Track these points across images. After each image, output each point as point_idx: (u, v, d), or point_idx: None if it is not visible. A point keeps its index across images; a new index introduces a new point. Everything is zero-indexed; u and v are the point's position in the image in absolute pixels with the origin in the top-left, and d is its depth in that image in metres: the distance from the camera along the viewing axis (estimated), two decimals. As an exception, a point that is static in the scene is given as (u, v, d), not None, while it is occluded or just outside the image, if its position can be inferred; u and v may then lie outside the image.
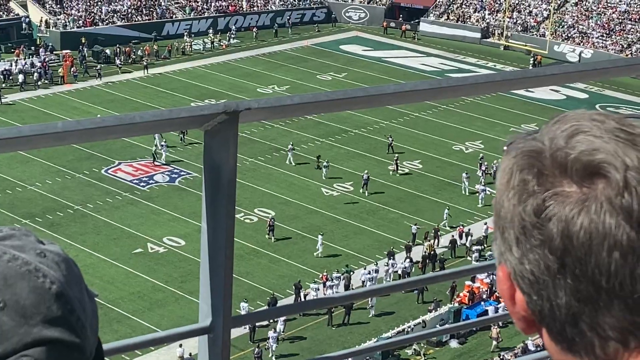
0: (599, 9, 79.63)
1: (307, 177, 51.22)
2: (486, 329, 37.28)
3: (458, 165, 53.40)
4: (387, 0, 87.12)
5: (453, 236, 44.05)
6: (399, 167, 52.03)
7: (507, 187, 1.27)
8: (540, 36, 78.59)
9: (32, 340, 1.21)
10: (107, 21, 76.52)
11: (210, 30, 78.07)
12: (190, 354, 33.72)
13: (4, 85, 63.83)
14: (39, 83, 64.40)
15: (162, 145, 52.44)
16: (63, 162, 51.23)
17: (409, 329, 36.18)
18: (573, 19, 79.76)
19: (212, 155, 2.04)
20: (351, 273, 40.00)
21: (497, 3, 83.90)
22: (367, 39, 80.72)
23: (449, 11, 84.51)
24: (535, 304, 1.25)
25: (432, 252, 42.23)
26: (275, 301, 37.11)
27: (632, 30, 76.82)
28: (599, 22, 78.30)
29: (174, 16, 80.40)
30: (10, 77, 64.73)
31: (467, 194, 49.13)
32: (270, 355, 35.62)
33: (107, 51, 70.37)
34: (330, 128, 57.91)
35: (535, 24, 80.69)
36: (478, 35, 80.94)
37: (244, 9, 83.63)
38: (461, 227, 44.71)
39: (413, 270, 41.18)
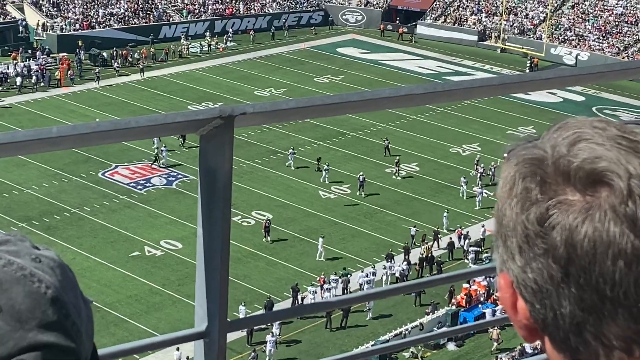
0: (595, 12, 79.74)
1: (304, 180, 51.23)
2: (484, 332, 37.30)
3: (455, 167, 53.43)
4: (384, 3, 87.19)
5: (451, 238, 44.06)
6: (399, 170, 52.04)
7: (509, 195, 1.26)
8: (536, 39, 78.67)
9: (27, 345, 1.21)
10: (104, 24, 76.52)
11: (207, 33, 78.10)
12: (187, 358, 33.69)
13: (0, 88, 63.80)
14: (38, 86, 64.35)
15: (162, 149, 52.40)
16: (60, 165, 51.20)
17: (407, 332, 36.17)
18: (569, 22, 79.86)
19: (208, 159, 2.04)
20: (349, 276, 39.98)
21: (493, 6, 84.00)
22: (364, 42, 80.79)
23: (446, 14, 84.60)
24: (538, 312, 1.24)
25: (429, 255, 42.23)
26: (272, 304, 37.10)
27: (628, 32, 76.93)
28: (595, 25, 78.41)
29: (171, 19, 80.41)
30: (8, 80, 64.72)
31: (464, 197, 49.09)
32: (267, 359, 35.59)
33: (104, 54, 70.38)
34: (327, 131, 57.93)
35: (532, 26, 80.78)
36: (475, 38, 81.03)
37: (241, 12, 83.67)
38: (459, 229, 44.73)
39: (410, 273, 41.19)
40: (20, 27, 73.58)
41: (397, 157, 52.78)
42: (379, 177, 51.90)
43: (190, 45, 75.61)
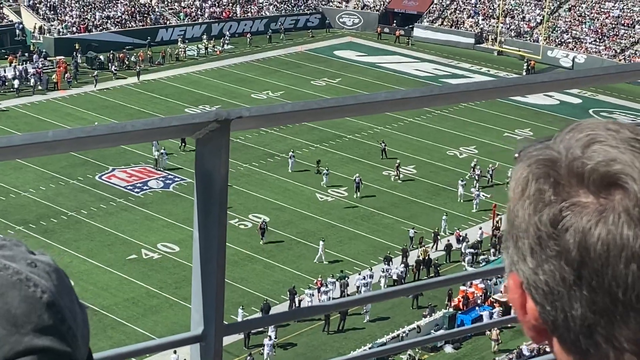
0: (592, 15, 79.84)
1: (301, 183, 51.23)
2: (481, 334, 37.30)
3: (452, 170, 53.46)
4: (381, 6, 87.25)
5: (449, 240, 44.07)
6: (400, 173, 52.03)
7: (522, 196, 1.25)
8: (533, 41, 78.76)
9: (23, 349, 1.21)
10: (101, 27, 76.51)
11: (204, 36, 78.10)
12: (184, 360, 33.70)
13: (-2, 91, 63.84)
14: (35, 89, 64.33)
15: (161, 153, 52.33)
16: (57, 169, 51.17)
17: (404, 335, 36.17)
18: (566, 25, 79.95)
19: (204, 163, 2.04)
20: (346, 279, 39.96)
21: (490, 8, 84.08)
22: (361, 45, 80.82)
23: (443, 17, 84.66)
24: (548, 314, 1.24)
25: (426, 258, 42.24)
26: (269, 307, 37.08)
27: (625, 35, 77.03)
28: (592, 28, 78.51)
29: (167, 22, 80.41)
30: (5, 84, 64.70)
31: (462, 201, 49.06)
32: (265, 362, 35.62)
33: (101, 57, 70.37)
34: (324, 134, 57.94)
35: (528, 29, 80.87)
36: (472, 40, 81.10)
37: (238, 15, 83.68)
38: (457, 231, 44.74)
39: (407, 275, 41.20)
40: (17, 31, 73.55)
41: (398, 161, 52.77)
42: (376, 179, 51.91)
43: (187, 48, 75.60)
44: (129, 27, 77.63)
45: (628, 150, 1.22)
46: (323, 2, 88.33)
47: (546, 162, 1.25)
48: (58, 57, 69.52)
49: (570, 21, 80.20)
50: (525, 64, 74.23)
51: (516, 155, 1.31)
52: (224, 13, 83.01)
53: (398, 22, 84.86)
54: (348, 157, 55.05)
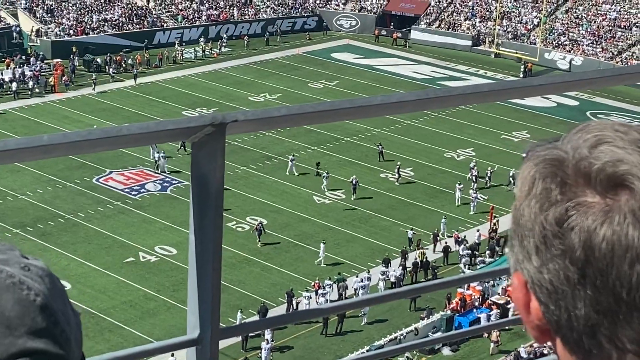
0: (589, 17, 79.93)
1: (299, 185, 51.23)
2: (478, 337, 37.30)
3: (450, 172, 53.49)
4: (378, 9, 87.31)
5: (446, 242, 44.10)
6: (400, 176, 52.03)
7: (528, 195, 1.26)
8: (530, 44, 78.84)
9: (17, 351, 1.22)
10: (98, 30, 76.50)
11: (202, 39, 78.11)
12: (182, 363, 33.63)
13: (-4, 94, 63.83)
14: (33, 91, 64.32)
15: (161, 157, 52.21)
16: (54, 171, 51.15)
17: (402, 337, 36.17)
18: (563, 27, 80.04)
19: (200, 166, 2.04)
20: (344, 281, 39.95)
21: (487, 11, 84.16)
22: (359, 47, 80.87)
23: (440, 19, 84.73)
24: (552, 313, 1.24)
25: (423, 260, 42.24)
26: (266, 310, 37.05)
27: (622, 37, 77.11)
28: (589, 30, 78.59)
29: (165, 25, 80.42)
30: (3, 87, 64.70)
31: (459, 204, 49.02)
32: (262, 364, 35.59)
33: (98, 60, 70.36)
34: (321, 136, 57.95)
35: (525, 31, 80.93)
36: (469, 43, 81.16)
37: (235, 18, 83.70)
38: (456, 233, 44.74)
39: (405, 277, 41.20)
40: (14, 34, 73.55)
41: (398, 164, 52.75)
42: (374, 182, 51.93)
43: (184, 51, 75.62)
44: (126, 29, 77.63)
45: (635, 152, 1.22)
46: (320, 5, 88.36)
47: (553, 162, 1.25)
48: (55, 60, 69.51)
49: (567, 23, 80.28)
50: (523, 66, 74.27)
51: (524, 154, 1.32)
52: (221, 16, 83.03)
53: (395, 24, 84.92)
54: (345, 159, 55.06)
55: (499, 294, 40.13)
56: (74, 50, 70.87)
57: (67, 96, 64.89)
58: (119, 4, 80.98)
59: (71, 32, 75.30)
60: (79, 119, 59.98)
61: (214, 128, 1.96)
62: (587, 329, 1.21)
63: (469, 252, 43.19)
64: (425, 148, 57.35)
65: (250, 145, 55.71)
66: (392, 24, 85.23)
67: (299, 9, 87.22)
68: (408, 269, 41.77)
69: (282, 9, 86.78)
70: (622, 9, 79.57)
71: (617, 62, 73.39)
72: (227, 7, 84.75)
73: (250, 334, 35.66)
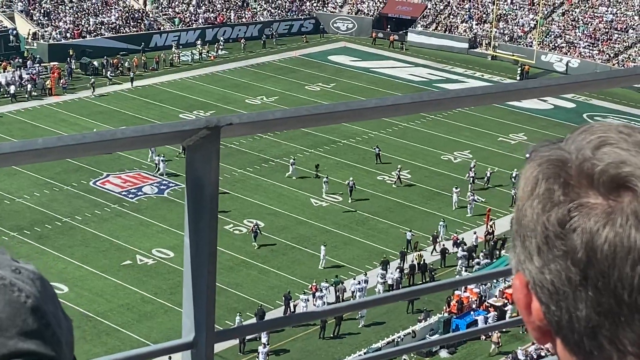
0: (586, 19, 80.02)
1: (296, 188, 51.22)
2: (476, 339, 37.31)
3: (447, 175, 53.51)
4: (375, 11, 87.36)
5: (444, 245, 44.10)
6: (400, 179, 51.99)
7: (531, 196, 1.26)
8: (527, 46, 78.90)
9: (8, 352, 1.23)
10: (94, 33, 76.47)
11: (198, 42, 78.11)
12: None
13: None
14: (31, 94, 64.31)
15: (161, 160, 52.08)
16: (51, 174, 51.11)
17: (399, 339, 36.16)
18: (560, 29, 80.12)
19: (195, 170, 2.04)
20: (342, 284, 39.93)
21: (484, 13, 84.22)
22: (355, 50, 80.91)
23: (437, 21, 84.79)
24: (553, 314, 1.24)
25: (420, 262, 42.24)
26: (263, 313, 37.01)
27: (618, 39, 77.20)
28: (585, 32, 78.67)
29: (162, 27, 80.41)
30: (0, 90, 64.67)
31: (456, 207, 48.94)
32: (260, 367, 35.56)
33: (95, 63, 70.34)
34: (318, 138, 57.96)
35: (522, 33, 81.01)
36: (466, 45, 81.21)
37: (232, 20, 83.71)
38: (455, 235, 44.72)
39: (403, 280, 41.18)
40: (11, 37, 73.48)
41: (399, 166, 52.74)
42: (371, 184, 51.93)
43: (181, 54, 75.62)
44: (122, 32, 77.60)
45: (639, 154, 1.22)
46: (317, 8, 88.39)
47: (556, 162, 1.25)
48: (52, 63, 69.47)
49: (563, 26, 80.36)
50: (519, 69, 74.35)
51: (528, 155, 1.32)
52: (218, 18, 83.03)
53: (392, 27, 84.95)
54: (343, 162, 55.06)
55: (496, 296, 40.14)
56: (71, 53, 70.83)
57: (64, 99, 64.85)
58: (116, 7, 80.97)
59: (68, 35, 75.25)
60: (76, 122, 59.94)
61: (209, 131, 1.96)
62: (588, 330, 1.21)
63: (465, 254, 43.19)
64: (422, 150, 57.37)
65: (247, 147, 55.70)
66: (389, 26, 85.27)
67: (296, 12, 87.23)
68: (405, 271, 41.76)
69: (279, 11, 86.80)
70: (618, 11, 79.66)
71: (613, 65, 73.47)
72: (224, 9, 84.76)
73: (247, 337, 35.66)
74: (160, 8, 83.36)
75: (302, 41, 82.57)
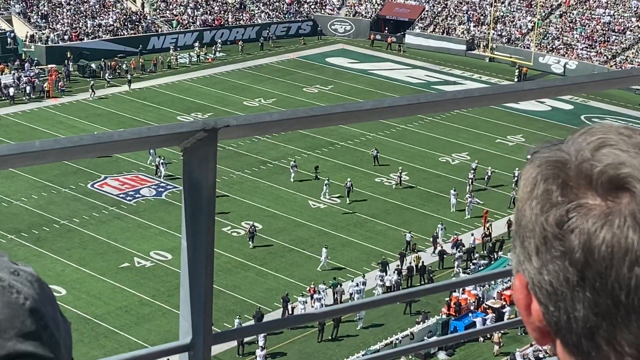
0: (583, 21, 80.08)
1: (293, 190, 51.21)
2: (474, 341, 37.32)
3: (445, 177, 53.53)
4: (373, 13, 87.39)
5: (441, 247, 44.10)
6: (402, 181, 51.99)
7: (530, 196, 1.26)
8: (525, 48, 78.95)
9: (6, 354, 1.23)
10: (92, 35, 76.47)
11: (196, 44, 78.12)
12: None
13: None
14: (31, 97, 64.31)
15: (161, 163, 51.95)
16: (49, 177, 51.09)
17: (397, 341, 36.15)
18: (557, 31, 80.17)
19: (192, 172, 2.04)
20: (340, 286, 39.92)
21: (482, 15, 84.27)
22: (353, 52, 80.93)
23: (434, 23, 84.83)
24: (552, 315, 1.24)
25: (418, 264, 42.24)
26: (261, 315, 36.98)
27: (615, 41, 77.27)
28: (583, 34, 78.74)
29: (159, 30, 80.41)
30: (-1, 92, 64.82)
31: (454, 210, 48.90)
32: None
33: (93, 65, 70.33)
34: (317, 140, 57.96)
35: (520, 35, 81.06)
36: (463, 47, 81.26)
37: (230, 23, 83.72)
38: (455, 236, 44.71)
39: (402, 282, 41.18)
40: (9, 39, 73.47)
41: (400, 168, 52.73)
42: (369, 186, 51.93)
43: (179, 56, 75.62)
44: (120, 35, 77.61)
45: (638, 155, 1.22)
46: (315, 10, 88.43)
47: (556, 163, 1.26)
48: (50, 66, 69.46)
49: (561, 27, 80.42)
50: (517, 71, 74.41)
51: (528, 156, 1.32)
52: (215, 21, 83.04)
53: (390, 29, 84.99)
54: (341, 164, 55.07)
55: (494, 298, 40.14)
56: (68, 55, 70.83)
57: (62, 102, 64.84)
58: (114, 9, 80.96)
59: (66, 37, 75.24)
60: (74, 124, 59.93)
61: (206, 133, 1.96)
62: (585, 331, 1.21)
63: (462, 254, 43.23)
64: (420, 152, 57.39)
65: (245, 150, 55.70)
66: (386, 28, 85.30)
67: (294, 14, 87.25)
68: (403, 273, 41.76)
69: (277, 13, 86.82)
70: (615, 13, 79.73)
71: (611, 66, 73.52)
72: (222, 12, 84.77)
73: (246, 340, 35.66)
74: (157, 10, 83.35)
75: (299, 43, 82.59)
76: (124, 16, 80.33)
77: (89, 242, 44.53)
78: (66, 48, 72.60)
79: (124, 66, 71.14)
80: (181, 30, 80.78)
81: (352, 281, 40.43)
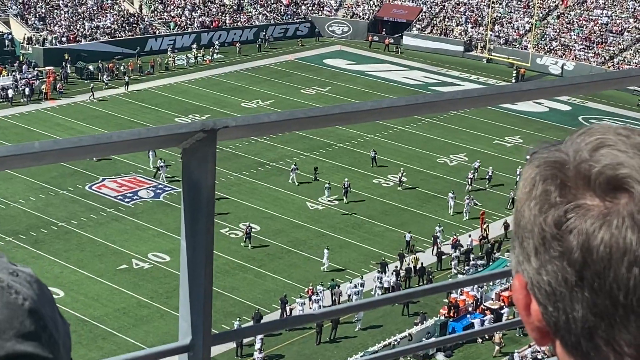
0: (581, 22, 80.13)
1: (291, 191, 51.19)
2: (472, 342, 37.31)
3: (442, 178, 53.53)
4: (370, 15, 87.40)
5: (440, 248, 44.09)
6: (403, 182, 51.97)
7: (528, 197, 1.26)
8: (522, 49, 78.98)
9: (5, 354, 1.23)
10: (90, 37, 76.43)
11: (194, 46, 78.10)
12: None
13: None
14: (30, 99, 64.27)
15: (161, 166, 51.85)
16: (47, 179, 51.05)
17: (395, 343, 36.14)
18: (555, 32, 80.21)
19: (191, 173, 2.04)
20: (338, 287, 39.90)
21: (479, 16, 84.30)
22: (351, 53, 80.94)
23: (432, 25, 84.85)
24: (550, 315, 1.24)
25: (416, 265, 42.23)
26: (260, 317, 36.97)
27: (613, 42, 77.31)
28: (580, 35, 78.77)
29: (157, 32, 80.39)
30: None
31: (452, 213, 48.84)
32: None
33: (91, 67, 70.30)
34: (314, 142, 57.96)
35: (517, 36, 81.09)
36: (461, 48, 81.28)
37: (227, 24, 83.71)
38: (455, 237, 44.69)
39: (400, 283, 41.17)
40: (6, 41, 73.42)
41: (402, 169, 52.71)
42: (367, 187, 51.93)
43: (176, 58, 75.59)
44: (118, 37, 77.58)
45: (637, 156, 1.23)
46: (312, 11, 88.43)
47: (554, 164, 1.26)
48: (47, 68, 69.43)
49: (559, 28, 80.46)
50: (515, 72, 74.44)
51: (528, 156, 1.32)
52: (213, 22, 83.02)
53: (387, 30, 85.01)
54: (338, 165, 55.06)
55: (492, 299, 40.14)
56: (66, 57, 70.79)
57: (60, 104, 64.80)
58: (111, 11, 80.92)
59: (63, 39, 75.20)
60: (72, 126, 59.89)
61: (205, 134, 1.96)
62: (584, 331, 1.21)
63: (458, 255, 43.24)
64: (417, 153, 57.39)
65: (243, 151, 55.69)
66: (384, 30, 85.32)
67: (291, 16, 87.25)
68: (402, 274, 41.75)
69: (274, 15, 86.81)
70: (613, 14, 79.78)
71: (608, 67, 73.55)
72: (219, 14, 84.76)
73: (245, 341, 35.64)
74: (155, 12, 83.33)
75: (297, 45, 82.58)
76: (122, 18, 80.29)
77: (87, 244, 44.50)
78: (64, 50, 72.56)
79: (121, 68, 71.10)
80: (179, 32, 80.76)
81: (350, 282, 40.40)
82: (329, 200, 49.94)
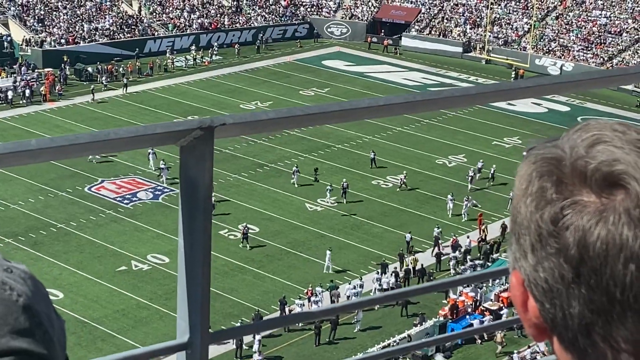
0: (580, 23, 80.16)
1: (290, 193, 51.18)
2: (471, 342, 37.30)
3: (441, 179, 53.53)
4: (369, 16, 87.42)
5: (438, 249, 44.08)
6: (405, 184, 51.93)
7: (525, 194, 1.26)
8: (521, 50, 79.00)
9: (0, 350, 1.22)
10: (89, 39, 76.41)
11: (193, 47, 78.10)
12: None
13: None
14: (29, 100, 64.26)
15: (162, 168, 51.75)
16: (46, 180, 51.03)
17: (394, 344, 36.11)
18: (554, 33, 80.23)
19: (188, 171, 2.04)
20: (337, 289, 39.89)
21: (478, 17, 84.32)
22: (350, 54, 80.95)
23: (431, 26, 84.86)
24: (548, 312, 1.24)
25: (415, 266, 42.22)
26: (261, 317, 36.96)
27: (612, 43, 77.35)
28: (579, 36, 78.80)
29: (156, 33, 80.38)
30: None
31: (451, 215, 48.80)
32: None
33: (89, 69, 70.29)
34: (313, 143, 57.95)
35: (516, 37, 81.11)
36: (460, 49, 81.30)
37: (226, 26, 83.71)
38: (454, 238, 44.68)
39: (400, 284, 41.16)
40: (5, 43, 73.42)
41: (404, 172, 52.68)
42: (366, 189, 51.92)
43: (175, 59, 75.59)
44: (117, 38, 77.57)
45: (633, 152, 1.22)
46: (311, 13, 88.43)
47: (551, 160, 1.26)
48: (46, 69, 69.41)
49: (557, 29, 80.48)
50: (514, 72, 74.48)
51: (524, 153, 1.32)
52: (212, 24, 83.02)
53: (386, 31, 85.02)
54: (337, 166, 55.06)
55: (491, 300, 40.13)
56: (65, 59, 70.77)
57: (59, 105, 64.80)
58: (110, 13, 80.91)
59: (62, 41, 75.18)
60: (71, 128, 59.86)
61: (202, 132, 1.96)
62: (581, 327, 1.21)
63: (457, 255, 43.22)
64: (416, 154, 57.39)
65: (241, 153, 55.68)
66: (382, 31, 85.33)
67: (290, 17, 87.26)
68: (401, 275, 41.75)
69: (273, 16, 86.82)
70: (612, 15, 79.81)
71: (607, 68, 73.55)
72: (218, 15, 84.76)
73: (244, 342, 35.64)
74: (154, 14, 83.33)
75: (296, 46, 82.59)
76: (121, 20, 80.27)
77: (86, 246, 44.48)
78: (63, 52, 72.55)
79: (120, 69, 71.09)
80: (178, 33, 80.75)
81: (349, 284, 40.39)
82: (330, 202, 49.91)
